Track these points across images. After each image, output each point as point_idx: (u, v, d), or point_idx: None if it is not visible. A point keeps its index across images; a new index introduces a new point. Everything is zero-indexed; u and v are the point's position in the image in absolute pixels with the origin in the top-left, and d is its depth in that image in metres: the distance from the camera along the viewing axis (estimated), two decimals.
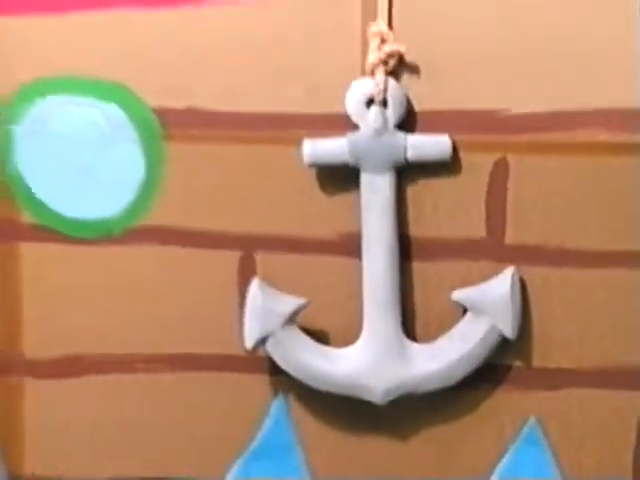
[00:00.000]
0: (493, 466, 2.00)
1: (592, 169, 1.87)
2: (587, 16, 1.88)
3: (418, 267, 1.92)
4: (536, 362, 1.94)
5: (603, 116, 1.85)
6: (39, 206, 1.98)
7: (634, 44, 1.90)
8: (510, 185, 1.90)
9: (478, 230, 1.92)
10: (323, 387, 1.89)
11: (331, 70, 1.89)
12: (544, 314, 1.92)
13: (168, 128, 1.92)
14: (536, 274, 1.91)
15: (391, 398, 1.89)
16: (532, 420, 1.96)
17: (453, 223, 1.92)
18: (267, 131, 1.94)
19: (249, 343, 1.87)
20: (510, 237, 1.91)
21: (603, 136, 1.85)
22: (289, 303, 1.88)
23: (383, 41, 1.80)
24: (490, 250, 1.92)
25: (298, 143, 1.86)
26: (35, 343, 2.05)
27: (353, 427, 1.98)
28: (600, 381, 1.99)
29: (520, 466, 2.02)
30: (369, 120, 1.80)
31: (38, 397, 2.07)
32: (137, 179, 1.97)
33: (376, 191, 1.84)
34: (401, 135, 1.80)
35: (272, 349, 1.88)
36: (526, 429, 1.97)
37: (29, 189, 2.00)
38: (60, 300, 2.04)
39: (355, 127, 1.81)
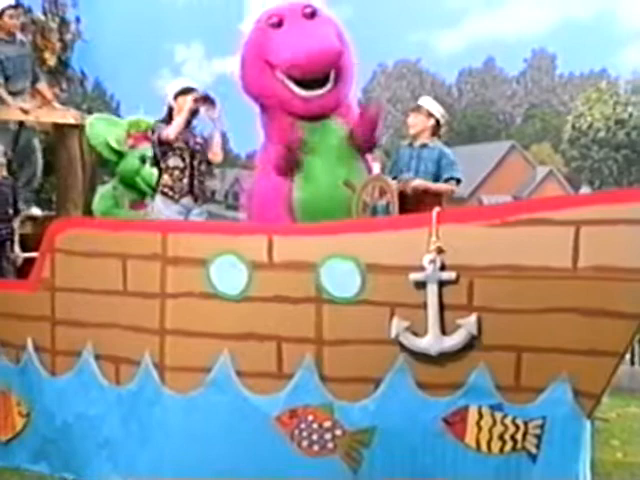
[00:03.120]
0: (468, 375, 2.86)
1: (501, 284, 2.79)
2: None
3: (447, 313, 2.87)
4: (484, 342, 2.84)
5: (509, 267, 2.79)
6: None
7: None
8: (475, 287, 2.84)
9: (463, 300, 2.84)
10: (416, 350, 2.89)
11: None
12: (487, 327, 2.84)
13: None
14: (484, 316, 2.83)
15: (437, 353, 2.86)
16: (482, 364, 2.86)
17: (454, 298, 2.83)
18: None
19: (393, 335, 2.89)
20: (476, 301, 2.83)
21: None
22: (403, 323, 2.89)
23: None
24: (467, 308, 2.84)
25: None
26: None
27: (428, 362, 2.89)
28: (510, 347, 2.82)
29: (478, 378, 2.87)
30: (429, 269, 2.84)
31: None
32: None
33: (432, 290, 2.86)
34: (442, 273, 2.83)
35: (401, 338, 2.89)
36: (479, 366, 2.86)
37: None
38: None
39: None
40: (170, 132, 3.92)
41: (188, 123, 4.09)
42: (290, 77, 3.59)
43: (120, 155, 4.49)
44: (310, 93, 3.63)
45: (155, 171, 4.24)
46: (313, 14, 3.65)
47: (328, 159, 3.70)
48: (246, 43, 3.83)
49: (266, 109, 3.89)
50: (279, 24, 3.66)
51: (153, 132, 4.15)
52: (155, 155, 4.12)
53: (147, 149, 4.44)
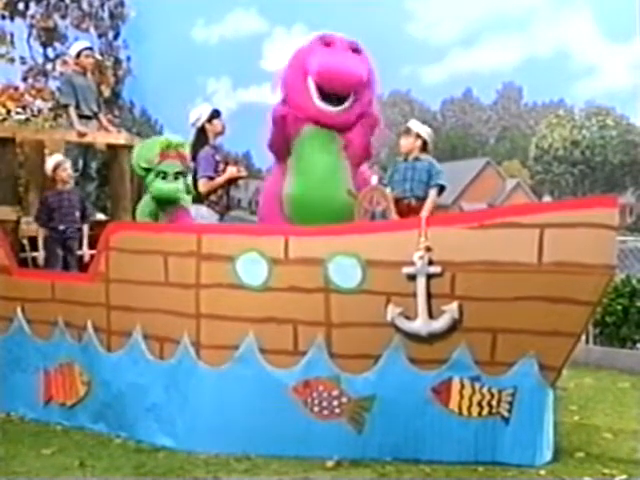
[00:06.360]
0: (451, 352, 2.82)
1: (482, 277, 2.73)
2: None
3: (434, 301, 2.81)
4: (465, 325, 2.80)
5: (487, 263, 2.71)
6: None
7: None
8: (457, 279, 2.78)
9: (447, 290, 2.78)
10: (409, 331, 2.84)
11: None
12: (467, 312, 2.79)
13: None
14: (465, 304, 2.78)
15: (426, 334, 2.82)
16: (463, 343, 2.83)
17: (440, 288, 2.77)
18: None
19: (389, 319, 2.83)
20: (458, 291, 2.76)
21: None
22: (397, 309, 2.82)
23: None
24: (451, 297, 2.78)
25: None
26: None
27: (418, 341, 2.83)
28: (486, 329, 2.75)
29: (460, 355, 2.84)
30: (419, 264, 2.79)
31: None
32: None
33: (421, 281, 2.81)
34: (429, 267, 2.77)
35: (396, 321, 2.82)
36: (461, 344, 2.83)
37: None
38: None
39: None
40: (205, 189, 4.09)
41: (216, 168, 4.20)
42: (317, 86, 3.48)
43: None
44: (326, 107, 3.51)
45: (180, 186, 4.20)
46: (356, 50, 3.57)
47: (324, 162, 3.55)
48: (297, 50, 3.68)
49: (286, 103, 3.66)
50: (328, 45, 3.56)
51: (194, 158, 4.12)
52: (195, 173, 4.15)
53: (169, 165, 4.32)
